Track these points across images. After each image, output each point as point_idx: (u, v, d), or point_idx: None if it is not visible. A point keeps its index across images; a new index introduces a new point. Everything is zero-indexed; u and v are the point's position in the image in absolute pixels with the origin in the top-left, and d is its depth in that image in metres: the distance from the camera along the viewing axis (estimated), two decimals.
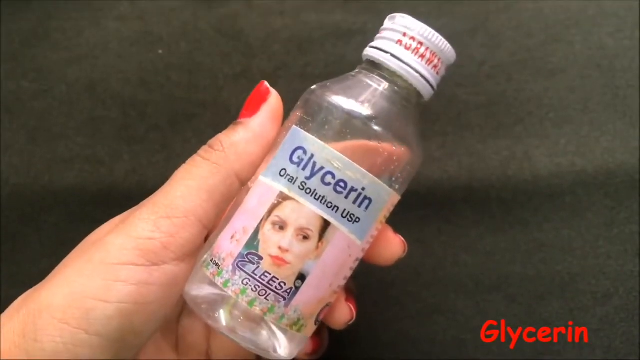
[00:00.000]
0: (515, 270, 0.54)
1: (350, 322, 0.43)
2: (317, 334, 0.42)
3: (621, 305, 0.53)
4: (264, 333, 0.38)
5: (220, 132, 0.40)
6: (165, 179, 0.39)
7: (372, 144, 0.37)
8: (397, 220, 0.41)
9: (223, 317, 0.37)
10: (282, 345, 0.38)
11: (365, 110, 0.38)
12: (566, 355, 0.53)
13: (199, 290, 0.38)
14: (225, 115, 0.57)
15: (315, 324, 0.40)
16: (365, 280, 0.46)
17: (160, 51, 0.58)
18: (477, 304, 0.54)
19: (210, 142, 0.39)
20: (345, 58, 0.57)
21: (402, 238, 0.42)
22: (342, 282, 0.40)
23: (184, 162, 0.39)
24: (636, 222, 0.54)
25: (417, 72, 0.38)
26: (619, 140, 0.54)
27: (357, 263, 0.40)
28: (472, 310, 0.54)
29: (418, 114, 0.40)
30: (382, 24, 0.41)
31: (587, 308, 0.53)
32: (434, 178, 0.55)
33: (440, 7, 0.56)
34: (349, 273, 0.40)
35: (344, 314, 0.42)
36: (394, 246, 0.42)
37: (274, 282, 0.37)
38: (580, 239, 0.54)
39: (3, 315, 0.36)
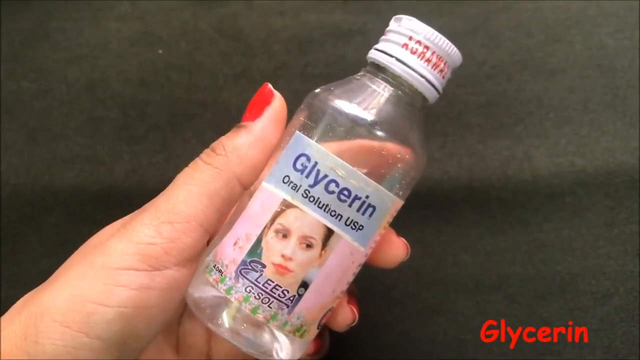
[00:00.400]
0: (515, 270, 0.54)
1: (353, 324, 0.43)
2: (318, 336, 0.42)
3: (621, 305, 0.53)
4: (266, 337, 0.38)
5: (221, 132, 0.40)
6: (166, 179, 0.39)
7: (376, 149, 0.37)
8: (397, 221, 0.41)
9: (225, 322, 0.38)
10: (285, 349, 0.38)
11: (369, 116, 0.37)
12: (566, 355, 0.53)
13: (202, 293, 0.38)
14: (225, 115, 0.57)
15: (318, 329, 0.40)
16: (365, 282, 0.46)
17: (160, 51, 0.58)
18: (477, 304, 0.54)
19: (213, 145, 0.39)
20: (345, 58, 0.57)
21: (405, 241, 0.42)
22: (345, 287, 0.40)
23: (184, 162, 0.39)
24: (636, 222, 0.54)
25: (422, 76, 0.38)
26: (619, 140, 0.54)
27: (360, 268, 0.40)
28: (472, 310, 0.54)
29: (423, 117, 0.40)
30: (382, 24, 0.41)
31: (587, 308, 0.54)
32: (434, 178, 0.55)
33: (440, 7, 0.56)
34: (351, 278, 0.40)
35: (346, 316, 0.42)
36: (397, 249, 0.42)
37: (277, 290, 0.37)
38: (580, 239, 0.54)
39: (4, 317, 0.36)
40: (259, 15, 0.58)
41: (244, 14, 0.58)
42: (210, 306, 0.38)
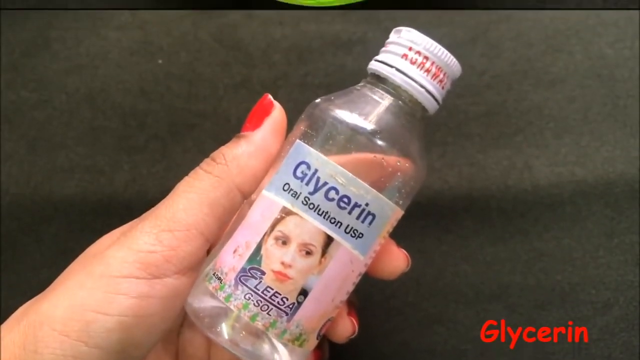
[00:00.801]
0: (516, 279, 0.54)
1: (352, 336, 0.43)
2: (318, 347, 0.41)
3: (621, 315, 0.53)
4: (266, 347, 0.38)
5: (221, 142, 0.40)
6: (166, 188, 0.39)
7: (376, 159, 0.37)
8: (397, 230, 0.41)
9: (225, 330, 0.37)
10: (284, 359, 0.38)
11: (369, 125, 0.38)
12: None
13: (201, 303, 0.38)
14: (225, 125, 0.57)
15: (317, 339, 0.39)
16: (365, 291, 0.46)
17: (160, 61, 0.58)
18: (477, 314, 0.54)
19: (213, 155, 0.39)
20: (345, 68, 0.57)
21: (405, 252, 0.42)
22: (345, 297, 0.40)
23: (184, 172, 0.39)
24: (636, 232, 0.54)
25: (422, 86, 0.38)
26: (619, 150, 0.54)
27: (359, 277, 0.40)
28: (472, 320, 0.54)
29: (422, 128, 0.40)
30: (382, 34, 0.41)
31: (587, 318, 0.53)
32: (434, 188, 0.55)
33: (440, 16, 0.56)
34: (351, 287, 0.40)
35: (346, 328, 0.42)
36: (397, 260, 0.42)
37: (277, 297, 0.37)
38: (580, 249, 0.54)
39: (3, 326, 0.36)
40: (259, 25, 0.58)
41: (244, 24, 0.58)
42: (209, 315, 0.38)
